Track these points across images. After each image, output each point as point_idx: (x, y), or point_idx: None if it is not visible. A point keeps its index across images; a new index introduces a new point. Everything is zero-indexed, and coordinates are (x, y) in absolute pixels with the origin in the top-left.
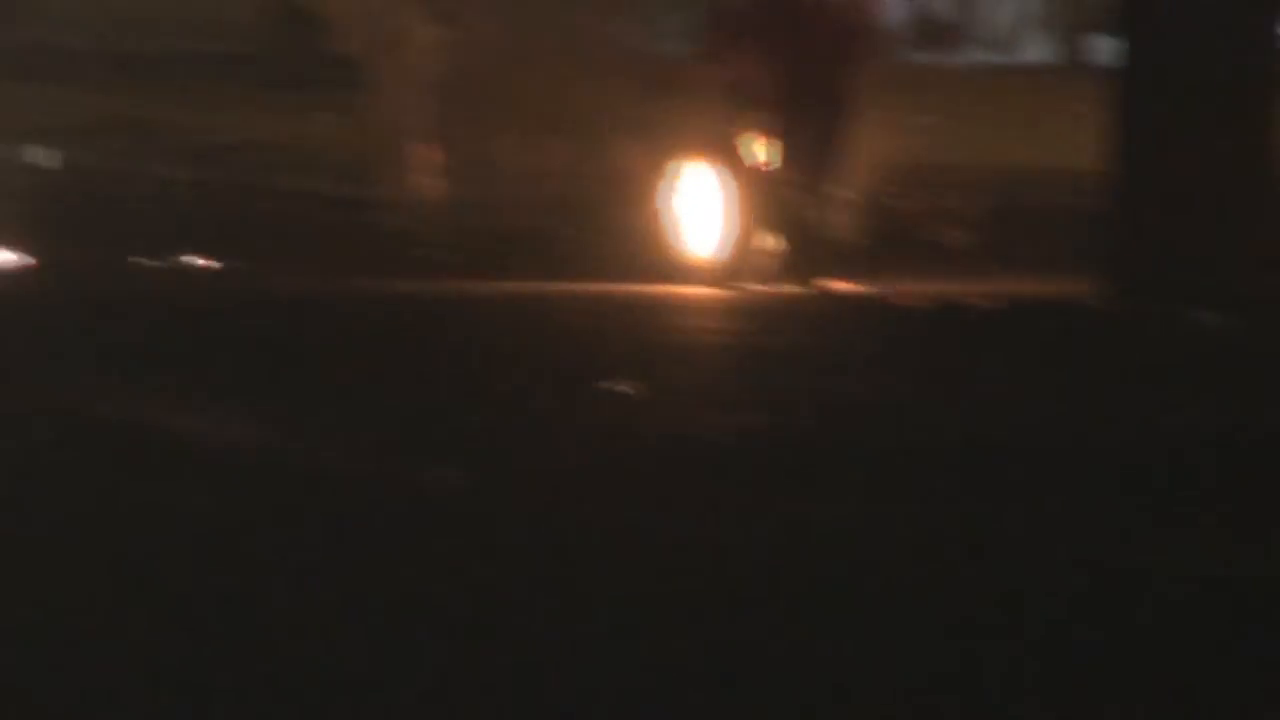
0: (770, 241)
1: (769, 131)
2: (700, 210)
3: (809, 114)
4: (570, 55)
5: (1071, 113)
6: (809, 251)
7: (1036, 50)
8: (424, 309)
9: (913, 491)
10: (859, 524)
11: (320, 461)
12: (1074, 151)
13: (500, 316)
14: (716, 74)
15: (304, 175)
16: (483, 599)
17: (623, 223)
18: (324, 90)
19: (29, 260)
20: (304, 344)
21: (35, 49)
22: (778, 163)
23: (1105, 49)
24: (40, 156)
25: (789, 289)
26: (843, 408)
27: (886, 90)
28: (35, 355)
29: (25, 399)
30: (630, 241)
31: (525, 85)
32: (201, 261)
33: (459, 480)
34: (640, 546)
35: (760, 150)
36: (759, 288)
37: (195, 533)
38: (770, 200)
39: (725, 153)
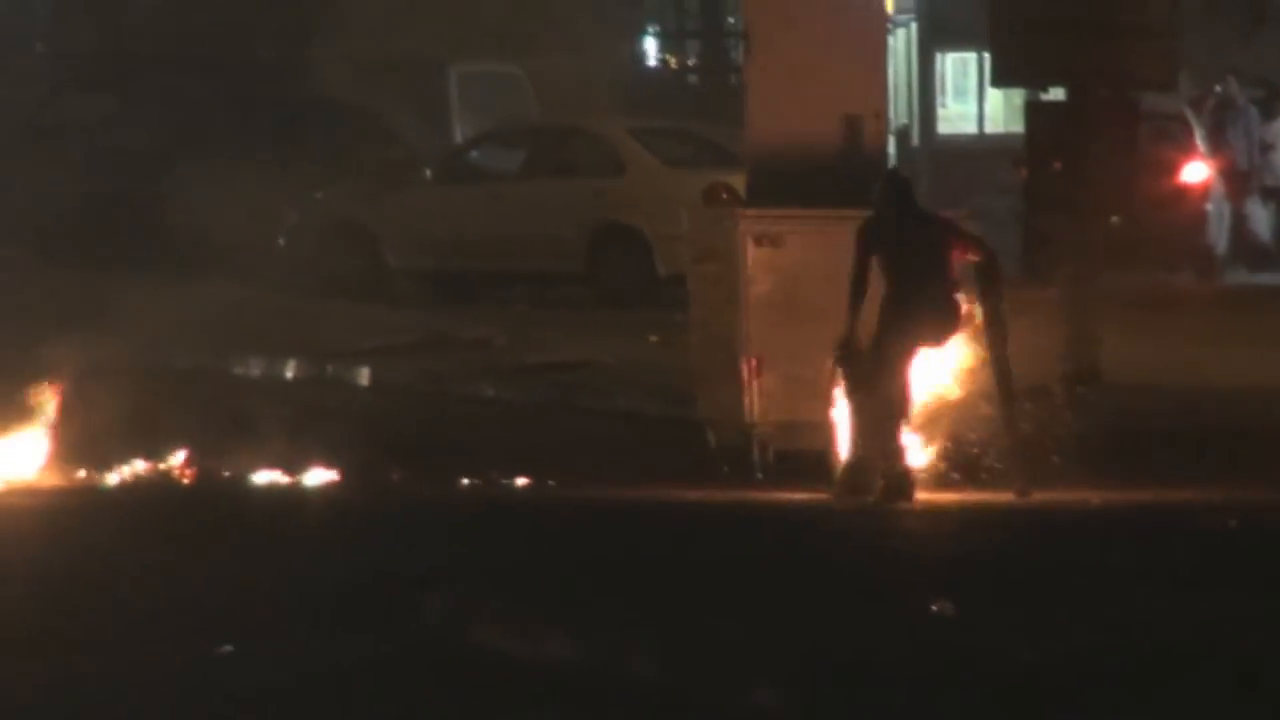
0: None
1: None
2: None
3: None
4: None
5: None
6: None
7: None
8: (740, 525)
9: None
10: None
11: (642, 683)
12: None
13: (817, 530)
14: None
15: (625, 395)
16: None
17: None
18: (651, 308)
19: (341, 479)
20: (624, 561)
21: (365, 269)
22: None
23: None
24: (363, 376)
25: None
26: (1158, 626)
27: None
28: (356, 573)
29: (352, 614)
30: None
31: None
32: (523, 481)
33: (770, 699)
34: None
35: None
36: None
37: None
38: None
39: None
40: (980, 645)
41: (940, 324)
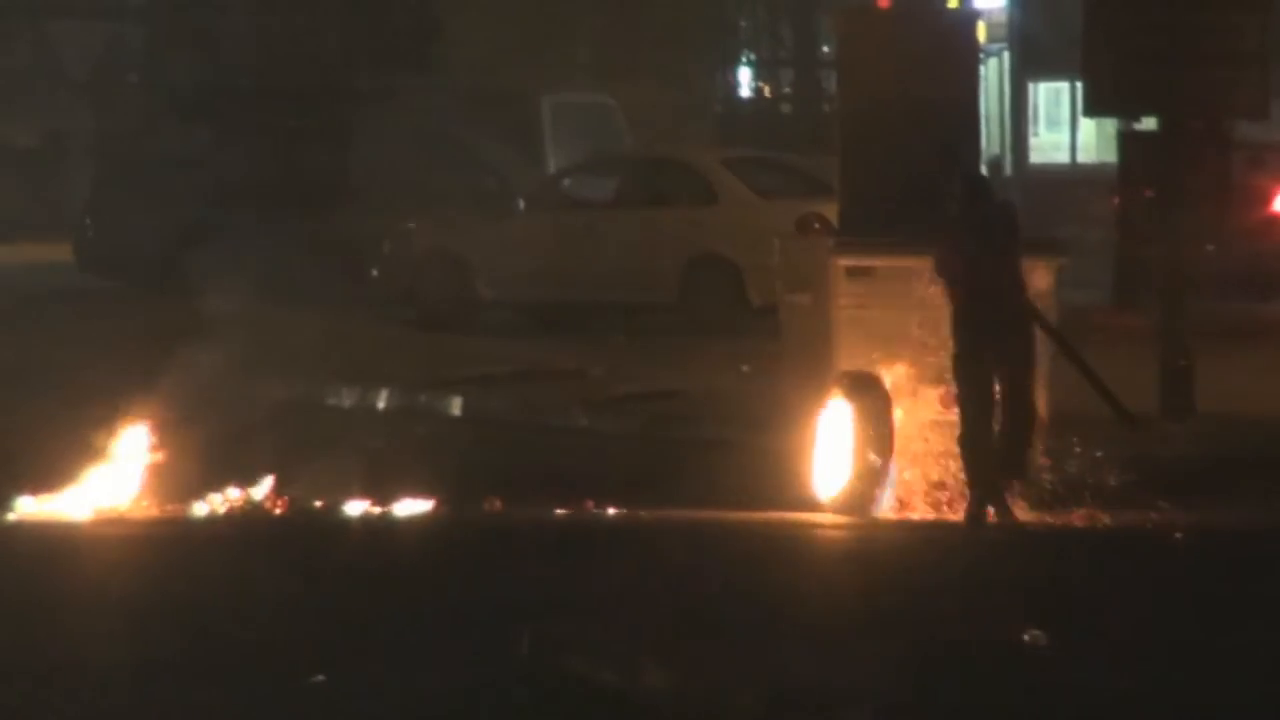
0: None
1: None
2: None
3: None
4: None
5: None
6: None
7: None
8: (829, 553)
9: None
10: None
11: (738, 714)
12: None
13: (905, 557)
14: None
15: (718, 425)
16: None
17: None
18: (747, 339)
19: (435, 509)
20: (716, 590)
21: (458, 299)
22: None
23: None
24: (455, 406)
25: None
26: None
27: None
28: (451, 603)
29: (449, 644)
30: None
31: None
32: (612, 511)
33: None
34: None
35: None
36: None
37: None
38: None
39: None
40: (1071, 675)
41: (1016, 331)
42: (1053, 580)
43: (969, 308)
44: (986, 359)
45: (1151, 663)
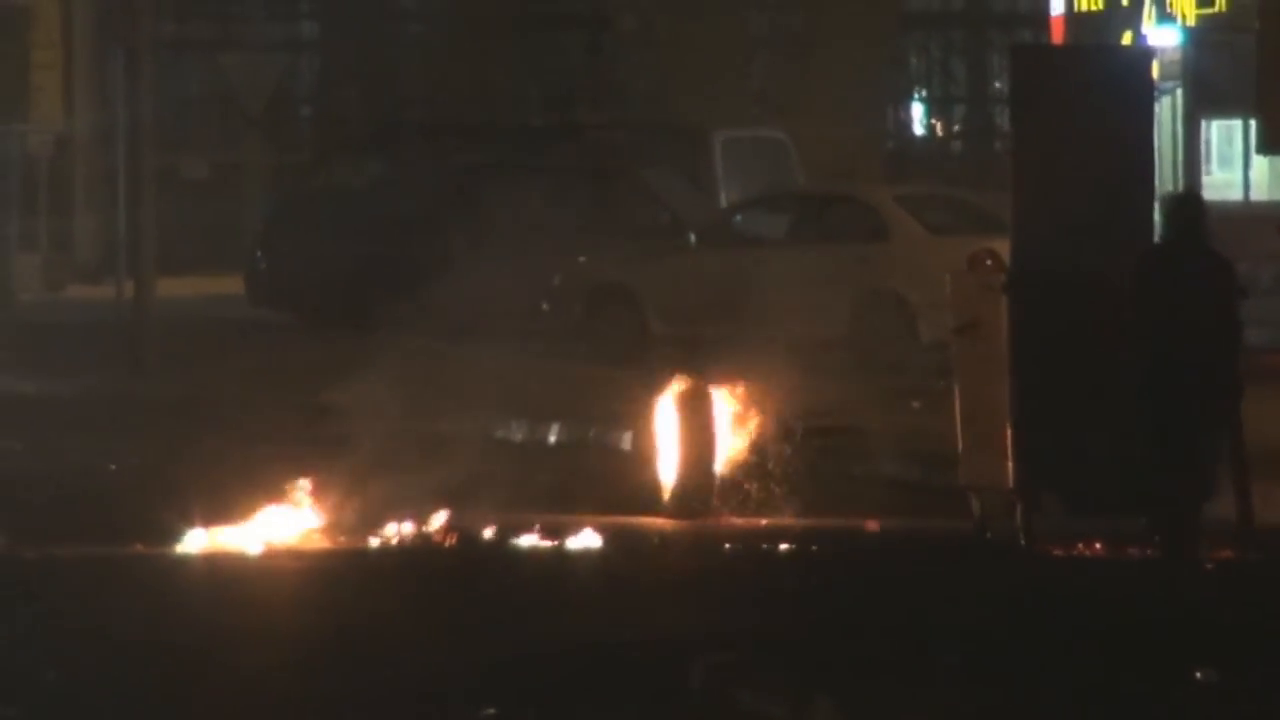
0: None
1: None
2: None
3: None
4: None
5: None
6: None
7: None
8: (998, 589)
9: None
10: None
11: None
12: None
13: (1075, 593)
14: None
15: (889, 461)
16: None
17: None
18: (914, 375)
19: (606, 542)
20: (885, 626)
21: (628, 333)
22: None
23: None
24: (626, 440)
25: None
26: None
27: None
28: (623, 636)
29: (619, 678)
30: None
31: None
32: (787, 546)
33: None
34: None
35: None
36: None
37: None
38: None
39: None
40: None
41: (1209, 387)
42: (1222, 614)
43: (1160, 345)
44: (1174, 394)
45: None
